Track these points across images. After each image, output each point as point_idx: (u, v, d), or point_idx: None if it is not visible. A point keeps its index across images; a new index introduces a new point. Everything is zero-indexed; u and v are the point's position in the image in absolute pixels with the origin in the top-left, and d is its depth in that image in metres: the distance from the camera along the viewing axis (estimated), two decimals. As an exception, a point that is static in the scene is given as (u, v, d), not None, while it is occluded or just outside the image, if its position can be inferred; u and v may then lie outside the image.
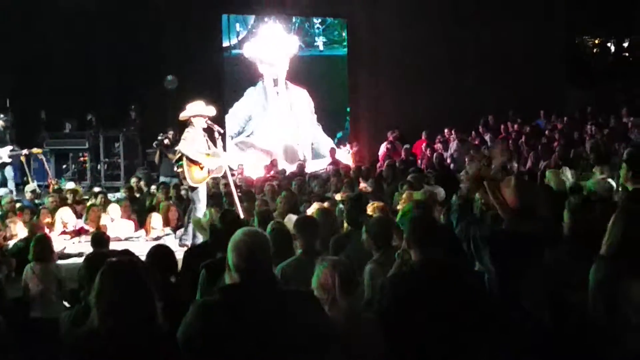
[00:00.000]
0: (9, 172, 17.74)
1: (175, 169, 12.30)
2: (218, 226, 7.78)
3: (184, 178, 11.72)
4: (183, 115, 11.83)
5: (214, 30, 22.41)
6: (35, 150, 17.89)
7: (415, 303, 4.95)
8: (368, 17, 23.36)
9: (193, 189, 11.72)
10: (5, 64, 19.59)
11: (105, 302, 4.02)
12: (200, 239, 10.46)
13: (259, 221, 8.63)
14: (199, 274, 6.52)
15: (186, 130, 11.85)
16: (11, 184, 17.60)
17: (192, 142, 11.58)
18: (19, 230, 11.16)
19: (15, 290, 8.73)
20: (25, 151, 17.70)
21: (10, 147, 17.67)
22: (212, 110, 11.92)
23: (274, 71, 23.01)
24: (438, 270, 5.11)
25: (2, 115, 18.03)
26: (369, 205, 8.83)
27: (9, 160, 17.67)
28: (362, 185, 13.45)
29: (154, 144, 19.58)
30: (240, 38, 23.00)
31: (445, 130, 21.13)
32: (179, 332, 4.04)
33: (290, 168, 19.93)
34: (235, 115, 22.67)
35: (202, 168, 11.53)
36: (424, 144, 20.72)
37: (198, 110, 11.73)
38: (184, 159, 11.61)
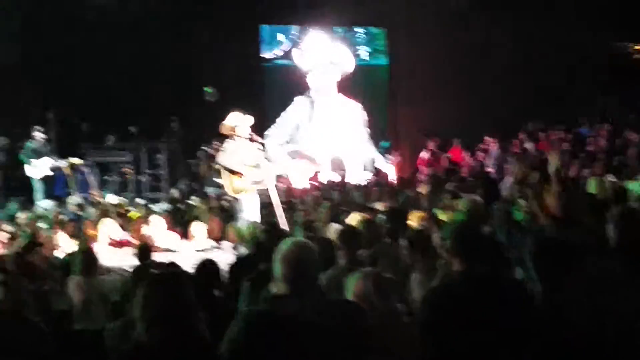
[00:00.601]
0: (37, 183, 17.88)
1: (215, 180, 12.32)
2: (261, 239, 7.78)
3: (225, 189, 11.74)
4: (223, 127, 11.84)
5: (253, 41, 22.50)
6: (74, 160, 18.02)
7: (456, 314, 4.88)
8: (407, 26, 23.33)
9: (235, 199, 11.72)
10: (48, 76, 19.77)
11: (150, 314, 4.02)
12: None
13: (303, 231, 8.63)
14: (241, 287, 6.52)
15: (226, 141, 11.87)
16: (37, 196, 17.73)
17: (231, 154, 11.59)
18: (62, 242, 11.24)
19: (60, 302, 8.79)
20: (64, 162, 17.86)
21: (51, 159, 17.84)
22: (249, 120, 11.90)
23: (319, 81, 23.04)
24: (481, 282, 5.05)
25: (41, 128, 18.18)
26: (412, 214, 8.81)
27: (50, 172, 17.84)
28: (421, 189, 13.45)
29: (197, 155, 19.71)
30: (283, 48, 23.07)
31: (486, 138, 21.02)
32: (223, 344, 4.02)
33: (334, 179, 19.93)
34: (283, 124, 22.77)
35: (241, 178, 11.51)
36: (464, 153, 20.62)
37: (236, 121, 11.73)
38: (223, 169, 11.63)
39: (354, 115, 23.47)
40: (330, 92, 23.15)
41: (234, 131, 11.67)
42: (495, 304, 4.92)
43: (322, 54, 23.02)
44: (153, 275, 4.27)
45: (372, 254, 7.51)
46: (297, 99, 22.98)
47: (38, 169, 17.66)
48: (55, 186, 18.60)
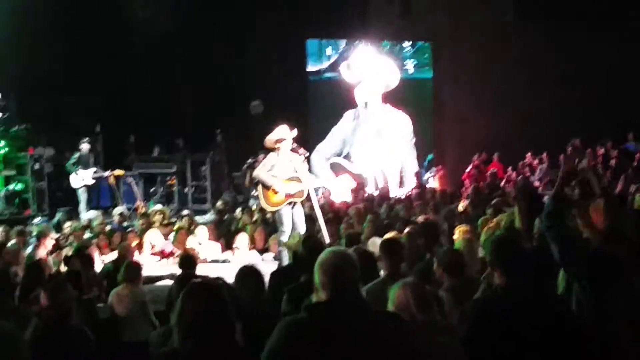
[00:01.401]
0: (82, 193, 18.08)
1: (253, 192, 12.33)
2: (301, 250, 7.80)
3: (261, 201, 11.76)
4: (268, 141, 11.85)
5: (299, 55, 22.59)
6: (118, 171, 18.20)
7: (498, 328, 4.85)
8: (451, 40, 23.33)
9: (275, 212, 11.73)
10: (96, 90, 20.01)
11: (186, 322, 4.06)
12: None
13: (347, 243, 8.63)
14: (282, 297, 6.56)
15: (269, 155, 11.89)
16: (82, 206, 17.92)
17: (270, 167, 11.59)
18: (107, 252, 11.34)
19: (104, 311, 8.88)
20: (107, 173, 18.05)
21: (94, 169, 18.03)
22: (293, 133, 11.91)
23: (365, 94, 23.08)
24: (522, 296, 5.01)
25: (86, 138, 18.39)
26: (456, 229, 8.79)
27: (92, 182, 18.02)
28: (462, 205, 13.39)
29: (242, 168, 19.81)
30: (331, 62, 23.15)
31: (528, 154, 20.90)
32: (263, 353, 4.04)
33: (378, 192, 19.90)
34: (332, 138, 22.83)
35: (277, 192, 11.51)
36: (509, 168, 20.51)
37: (281, 134, 11.74)
38: (260, 183, 11.66)
39: (401, 126, 23.46)
40: (377, 104, 23.17)
41: (279, 144, 11.67)
42: (537, 319, 4.88)
43: (369, 68, 23.06)
44: (191, 285, 4.30)
45: (415, 272, 7.50)
46: (347, 113, 23.08)
47: (83, 179, 17.85)
48: (100, 197, 18.81)
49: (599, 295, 5.26)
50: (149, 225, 13.95)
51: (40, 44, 18.92)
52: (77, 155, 18.08)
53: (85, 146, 18.23)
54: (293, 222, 11.54)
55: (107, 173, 18.10)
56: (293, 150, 11.85)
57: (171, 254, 12.69)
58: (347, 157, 23.04)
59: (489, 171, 20.28)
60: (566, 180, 5.93)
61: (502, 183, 19.81)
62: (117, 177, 18.54)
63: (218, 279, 6.22)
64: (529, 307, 4.91)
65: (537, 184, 19.42)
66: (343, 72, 22.94)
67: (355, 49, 23.28)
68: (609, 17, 22.28)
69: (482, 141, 22.02)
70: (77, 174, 17.87)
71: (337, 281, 4.08)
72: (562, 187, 5.85)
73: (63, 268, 10.12)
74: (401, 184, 22.77)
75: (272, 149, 11.78)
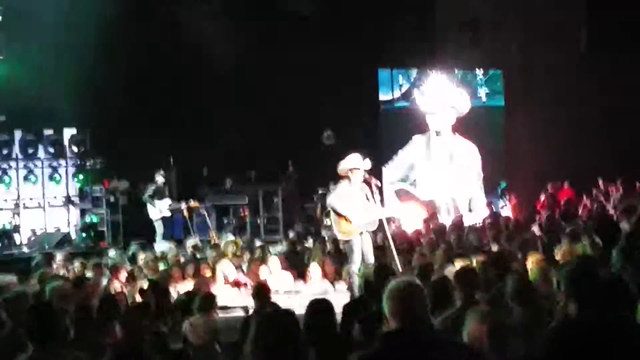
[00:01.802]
0: (159, 226, 18.28)
1: (325, 222, 12.32)
2: (371, 280, 7.77)
3: (332, 229, 11.75)
4: (340, 169, 11.87)
5: (370, 85, 22.58)
6: (193, 203, 18.37)
7: (572, 358, 4.78)
8: (522, 68, 23.19)
9: (346, 242, 11.71)
10: (169, 122, 20.27)
11: (259, 352, 4.07)
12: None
13: (419, 274, 8.58)
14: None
15: (340, 183, 11.89)
16: (159, 238, 18.10)
17: (342, 195, 11.59)
18: (181, 283, 11.43)
19: (177, 342, 8.92)
20: (183, 204, 18.23)
21: (169, 201, 18.23)
22: (367, 164, 11.91)
23: (438, 122, 22.98)
24: (596, 325, 4.92)
25: (162, 171, 18.61)
26: (530, 257, 8.69)
27: (169, 214, 18.22)
28: (534, 229, 13.25)
29: (314, 198, 19.85)
30: (403, 91, 23.12)
31: (600, 181, 20.57)
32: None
33: (448, 221, 19.72)
34: (398, 162, 22.72)
35: (351, 221, 11.49)
36: (584, 196, 20.18)
37: (354, 163, 11.75)
38: (332, 212, 11.66)
39: (469, 156, 23.27)
40: (447, 133, 23.04)
41: (351, 173, 11.67)
42: (611, 350, 4.77)
43: (441, 96, 22.97)
44: (264, 315, 4.33)
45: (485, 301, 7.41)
46: (415, 138, 22.95)
47: (160, 210, 18.06)
48: (174, 228, 19.00)
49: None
50: (221, 256, 14.02)
51: (114, 79, 19.24)
52: (153, 187, 18.32)
53: (160, 178, 18.45)
54: (363, 252, 11.52)
55: (183, 205, 18.29)
56: (366, 180, 11.84)
57: (244, 284, 12.73)
58: (412, 183, 22.91)
59: (563, 200, 20.00)
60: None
61: (579, 211, 19.49)
62: (190, 209, 18.73)
63: (288, 311, 6.24)
64: (603, 337, 4.81)
65: (612, 212, 19.07)
66: (417, 99, 22.87)
67: (428, 77, 23.22)
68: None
69: (555, 169, 21.75)
70: (154, 206, 18.09)
71: (406, 309, 4.06)
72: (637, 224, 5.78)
73: (138, 300, 10.20)
74: (473, 212, 22.55)
75: (344, 177, 11.80)
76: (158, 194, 18.24)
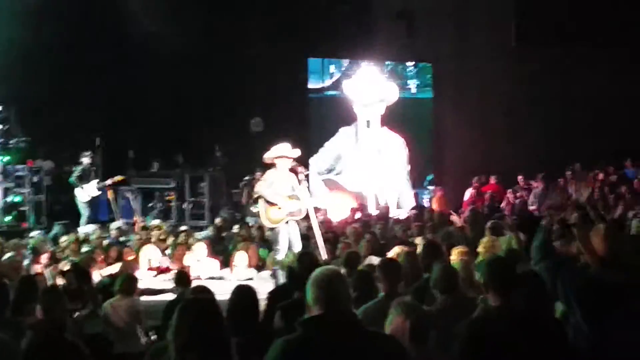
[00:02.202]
0: (85, 208, 18.08)
1: (252, 209, 12.32)
2: (295, 268, 7.79)
3: (261, 218, 11.74)
4: (267, 157, 11.89)
5: (300, 73, 22.60)
6: (118, 177, 18.21)
7: (491, 350, 4.86)
8: (453, 62, 23.42)
9: (272, 229, 11.72)
10: (95, 104, 20.01)
11: (182, 337, 4.08)
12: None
13: (346, 263, 8.62)
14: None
15: (268, 171, 11.91)
16: (83, 220, 17.91)
17: (270, 184, 11.61)
18: (103, 267, 11.32)
19: (98, 326, 8.86)
20: (109, 181, 18.06)
21: (96, 181, 18.05)
22: (296, 153, 11.94)
23: (367, 113, 23.07)
24: (515, 317, 5.05)
25: (88, 152, 18.38)
26: (453, 250, 8.78)
27: (97, 193, 18.02)
28: (454, 218, 13.38)
29: (240, 185, 19.80)
30: (334, 80, 23.17)
31: (520, 177, 20.92)
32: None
33: (375, 212, 19.87)
34: (326, 153, 22.77)
35: (280, 209, 11.52)
36: (509, 191, 20.47)
37: (282, 152, 11.76)
38: (261, 199, 11.66)
39: (396, 149, 23.44)
40: (376, 125, 23.16)
41: (277, 161, 11.69)
42: (530, 341, 4.90)
43: (371, 88, 23.06)
44: (186, 301, 4.33)
45: (412, 292, 7.47)
46: (342, 129, 23.02)
47: (86, 192, 17.85)
48: (98, 211, 18.78)
49: (594, 325, 5.28)
50: (145, 241, 13.93)
51: (41, 57, 18.92)
52: (79, 168, 18.08)
53: (86, 159, 18.23)
54: (289, 241, 11.55)
55: (108, 181, 18.12)
56: (293, 168, 11.87)
57: (167, 269, 12.66)
58: (339, 174, 22.99)
59: (487, 192, 20.26)
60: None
61: (502, 205, 19.79)
62: (115, 192, 18.56)
63: (207, 290, 6.24)
64: (521, 328, 4.94)
65: (533, 207, 19.38)
66: (346, 89, 22.94)
67: (359, 68, 23.30)
68: (609, 43, 22.34)
69: (481, 163, 22.02)
70: (82, 188, 17.87)
71: (329, 296, 4.10)
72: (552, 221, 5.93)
73: (59, 281, 10.09)
74: (398, 205, 22.71)
75: (271, 165, 11.82)
76: (85, 176, 18.02)
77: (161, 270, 12.69)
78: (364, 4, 23.44)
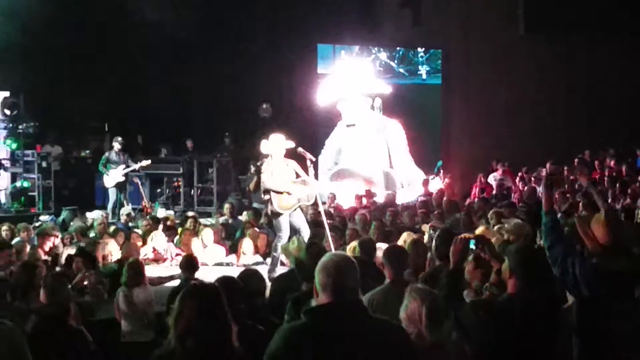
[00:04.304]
0: (112, 193, 18.11)
1: (262, 196, 12.23)
2: (303, 258, 7.75)
3: (271, 204, 11.68)
4: (263, 148, 11.82)
5: (310, 60, 22.51)
6: (145, 162, 18.25)
7: (511, 337, 4.96)
8: (462, 48, 23.34)
9: (277, 216, 11.66)
10: (106, 90, 20.02)
11: (183, 323, 4.07)
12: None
13: (360, 249, 8.57)
14: (284, 301, 6.49)
15: (265, 162, 11.84)
16: (110, 206, 17.96)
17: (270, 173, 11.55)
18: (113, 251, 11.33)
19: (107, 311, 8.86)
20: (137, 165, 18.09)
21: (123, 166, 18.05)
22: (290, 144, 11.82)
23: (353, 109, 22.95)
24: (537, 304, 5.13)
25: (119, 138, 18.37)
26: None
27: (123, 179, 18.04)
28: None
29: (251, 171, 19.80)
30: (343, 64, 23.10)
31: (523, 169, 20.85)
32: (264, 358, 4.00)
33: (383, 199, 19.80)
34: (328, 149, 22.69)
35: (290, 194, 11.47)
36: (518, 178, 20.39)
37: (276, 143, 11.68)
38: (272, 191, 11.61)
39: (394, 135, 23.32)
40: (366, 117, 23.02)
41: (272, 152, 11.61)
42: (549, 328, 5.05)
43: (352, 83, 22.88)
44: (188, 287, 4.32)
45: (420, 279, 7.43)
46: (339, 124, 22.89)
47: (112, 178, 17.85)
48: (106, 197, 18.80)
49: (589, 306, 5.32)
50: (152, 227, 13.92)
51: (49, 43, 18.91)
52: (106, 155, 18.13)
53: (117, 145, 18.22)
54: (297, 227, 11.51)
55: (136, 166, 18.15)
56: (301, 154, 11.80)
57: (175, 255, 12.66)
58: (344, 165, 22.90)
59: (497, 178, 20.23)
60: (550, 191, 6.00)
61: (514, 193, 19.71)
62: (139, 169, 18.65)
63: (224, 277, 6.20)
64: (541, 317, 5.12)
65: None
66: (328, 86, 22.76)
67: (370, 55, 23.21)
68: (620, 31, 22.25)
69: (489, 151, 21.97)
70: (108, 175, 17.87)
71: (338, 283, 4.04)
72: (550, 200, 5.92)
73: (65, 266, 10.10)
74: (405, 191, 22.64)
75: (266, 155, 11.77)
76: (113, 162, 18.04)
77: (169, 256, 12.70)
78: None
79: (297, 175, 11.68)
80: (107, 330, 8.35)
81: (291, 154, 11.86)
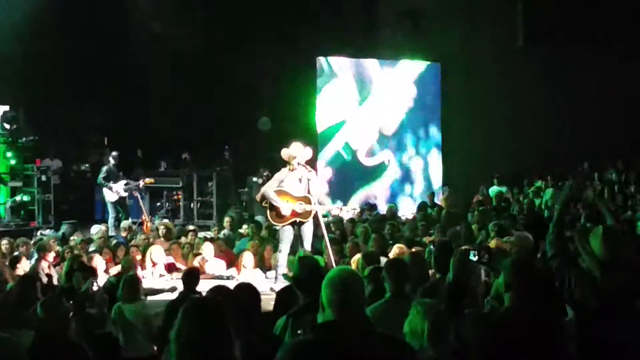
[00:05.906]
0: (112, 208, 18.03)
1: (261, 203, 12.25)
2: (295, 271, 7.74)
3: (268, 217, 11.71)
4: (283, 153, 11.85)
5: (308, 73, 22.51)
6: (148, 180, 18.17)
7: (509, 350, 4.92)
8: (461, 60, 23.34)
9: (279, 228, 11.67)
10: (104, 103, 20.04)
11: (184, 339, 4.04)
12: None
13: (365, 262, 8.52)
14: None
15: (281, 169, 11.87)
16: (111, 221, 17.89)
17: (278, 182, 11.56)
18: (110, 266, 11.29)
19: (105, 326, 8.83)
20: (140, 182, 18.02)
21: (125, 182, 17.94)
22: (308, 152, 11.89)
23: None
24: (532, 319, 5.09)
25: (114, 153, 18.32)
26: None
27: (125, 194, 17.93)
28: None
29: (247, 184, 19.79)
30: (340, 79, 23.10)
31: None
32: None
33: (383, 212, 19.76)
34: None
35: (284, 208, 11.48)
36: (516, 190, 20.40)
37: (294, 151, 11.71)
38: (268, 199, 11.63)
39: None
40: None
41: (291, 160, 11.63)
42: (545, 343, 5.00)
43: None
44: (190, 302, 4.28)
45: (419, 292, 7.40)
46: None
47: (117, 192, 17.77)
48: (106, 211, 18.76)
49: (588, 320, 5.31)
50: (152, 240, 13.90)
51: (49, 57, 18.96)
52: (105, 169, 18.01)
53: (112, 160, 18.15)
54: (301, 240, 11.52)
55: (141, 183, 18.05)
56: (303, 167, 11.80)
57: (175, 269, 12.63)
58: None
59: (495, 193, 20.23)
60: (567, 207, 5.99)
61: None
62: (142, 186, 18.55)
63: (220, 289, 6.17)
64: (537, 331, 5.06)
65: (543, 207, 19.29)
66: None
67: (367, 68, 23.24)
68: (617, 41, 22.29)
69: (489, 162, 21.96)
70: (110, 189, 17.75)
71: (344, 298, 4.02)
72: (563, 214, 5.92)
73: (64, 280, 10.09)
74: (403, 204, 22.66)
75: (285, 163, 11.79)
76: (112, 176, 17.96)
77: (169, 270, 12.65)
78: (371, 4, 23.45)
79: (308, 191, 11.69)
80: (106, 345, 8.32)
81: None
